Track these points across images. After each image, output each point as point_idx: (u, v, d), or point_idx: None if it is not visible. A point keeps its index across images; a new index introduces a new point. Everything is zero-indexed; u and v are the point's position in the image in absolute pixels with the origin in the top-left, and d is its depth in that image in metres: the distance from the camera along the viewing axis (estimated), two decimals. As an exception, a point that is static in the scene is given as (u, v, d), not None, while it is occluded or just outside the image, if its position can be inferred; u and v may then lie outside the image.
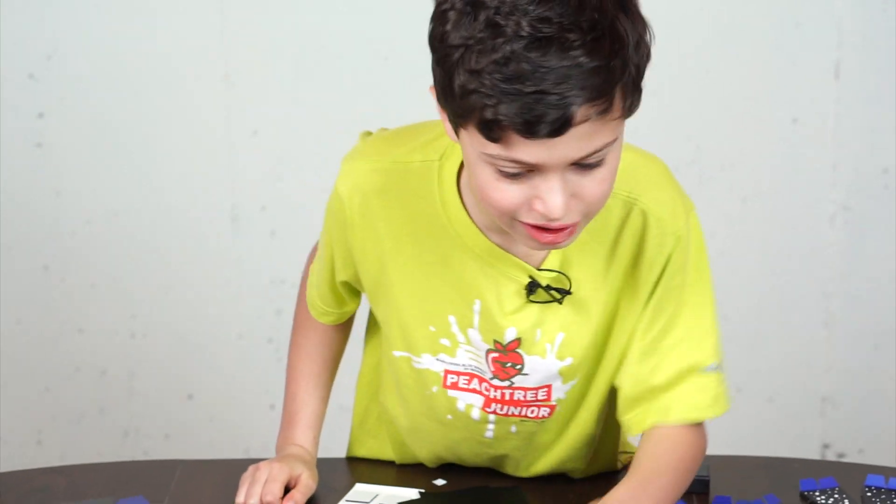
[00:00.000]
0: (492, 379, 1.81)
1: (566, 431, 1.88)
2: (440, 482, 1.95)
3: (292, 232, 3.30)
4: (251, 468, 1.87)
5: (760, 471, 2.00)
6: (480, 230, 1.74)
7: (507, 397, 1.83)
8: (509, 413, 1.85)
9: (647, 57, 1.58)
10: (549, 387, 1.82)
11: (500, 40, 1.50)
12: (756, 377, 3.35)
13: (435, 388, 1.85)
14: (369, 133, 1.87)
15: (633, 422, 1.80)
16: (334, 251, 1.87)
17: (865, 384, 3.38)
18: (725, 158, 3.24)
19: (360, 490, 1.93)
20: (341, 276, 1.89)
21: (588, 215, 1.62)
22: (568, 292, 1.75)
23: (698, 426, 1.80)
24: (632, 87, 1.57)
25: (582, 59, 1.50)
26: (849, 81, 3.24)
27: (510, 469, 1.94)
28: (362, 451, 2.06)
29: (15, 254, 3.28)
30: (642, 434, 1.80)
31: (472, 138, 1.56)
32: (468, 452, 1.92)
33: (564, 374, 1.81)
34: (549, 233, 1.60)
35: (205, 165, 3.25)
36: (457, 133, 1.60)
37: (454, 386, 1.84)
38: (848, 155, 3.27)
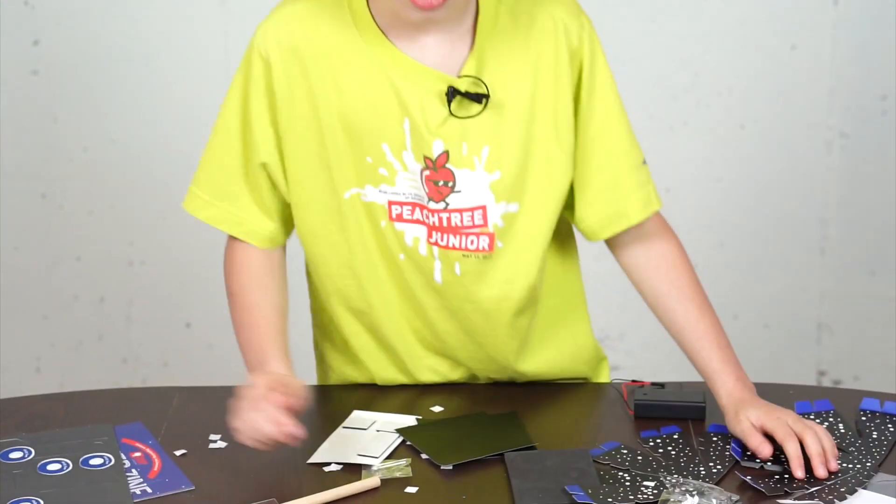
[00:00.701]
0: (429, 202, 1.86)
1: (513, 278, 1.90)
2: (437, 409, 1.96)
3: (289, 159, 3.29)
4: (243, 406, 1.78)
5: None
6: (397, 48, 1.82)
7: (444, 223, 1.87)
8: (450, 244, 1.88)
9: None
10: (483, 208, 1.86)
11: None
12: (752, 304, 3.36)
13: (383, 223, 1.88)
14: None
15: (595, 228, 1.93)
16: (253, 122, 1.89)
17: (861, 311, 3.39)
18: (723, 85, 3.23)
19: (358, 417, 1.94)
20: (262, 153, 1.90)
21: None
22: (486, 96, 1.82)
23: (662, 225, 1.96)
24: None
25: None
26: (847, 8, 3.23)
27: (502, 358, 1.97)
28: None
29: (12, 181, 3.28)
30: (651, 293, 1.95)
31: None
32: (430, 308, 1.93)
33: (496, 191, 1.86)
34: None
35: (202, 91, 3.24)
36: None
37: (399, 218, 1.87)
38: (846, 81, 3.26)
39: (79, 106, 3.25)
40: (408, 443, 1.87)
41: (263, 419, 1.74)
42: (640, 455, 1.83)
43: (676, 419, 1.91)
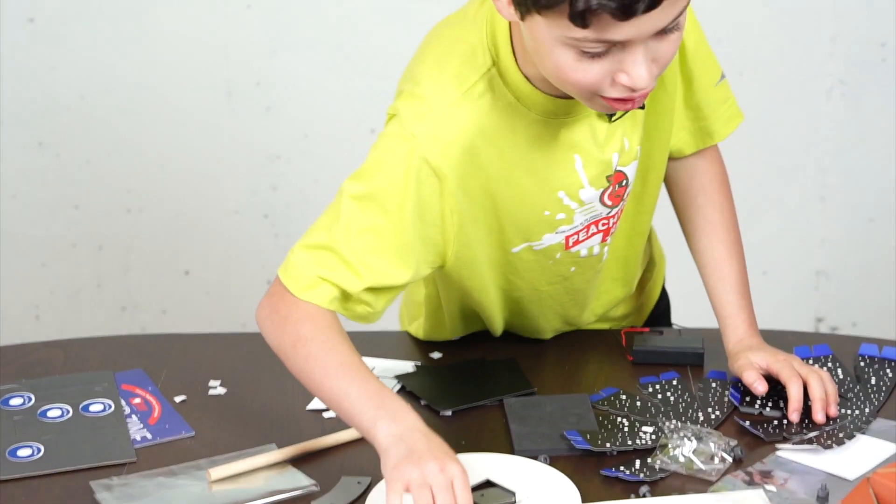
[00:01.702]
0: (610, 213, 1.84)
1: (642, 207, 1.92)
2: (436, 355, 1.97)
3: (287, 108, 3.29)
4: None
5: (754, 343, 2.01)
6: (549, 95, 1.72)
7: (617, 216, 1.86)
8: (612, 226, 1.88)
9: None
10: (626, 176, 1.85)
11: None
12: (750, 250, 3.34)
13: (558, 255, 1.85)
14: (394, 114, 1.76)
15: (681, 145, 1.93)
16: (410, 236, 1.72)
17: (860, 258, 3.40)
18: (722, 30, 3.21)
19: (357, 363, 1.94)
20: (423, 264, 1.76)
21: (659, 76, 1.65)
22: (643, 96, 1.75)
23: (714, 154, 1.99)
24: None
25: None
26: (847, -46, 3.22)
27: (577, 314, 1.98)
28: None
29: (10, 130, 3.28)
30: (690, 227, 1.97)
31: (553, 24, 1.54)
32: (585, 287, 1.94)
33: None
34: (630, 101, 1.62)
35: (199, 41, 3.23)
36: (522, 18, 1.58)
37: (576, 243, 1.85)
38: (846, 28, 3.25)
39: (76, 54, 3.23)
40: (407, 389, 1.87)
41: None
42: (638, 401, 1.83)
43: (675, 365, 1.91)
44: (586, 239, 1.85)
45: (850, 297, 3.42)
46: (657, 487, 1.64)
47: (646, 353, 1.94)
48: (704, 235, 1.96)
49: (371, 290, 1.72)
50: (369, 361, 1.93)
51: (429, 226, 1.73)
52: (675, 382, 1.87)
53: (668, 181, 1.98)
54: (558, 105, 1.72)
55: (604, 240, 1.87)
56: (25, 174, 3.30)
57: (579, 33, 1.52)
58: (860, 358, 1.90)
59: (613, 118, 1.77)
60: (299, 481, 1.67)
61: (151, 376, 1.91)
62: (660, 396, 1.84)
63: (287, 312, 1.71)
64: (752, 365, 1.80)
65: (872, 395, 1.82)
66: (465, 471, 1.55)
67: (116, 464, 1.72)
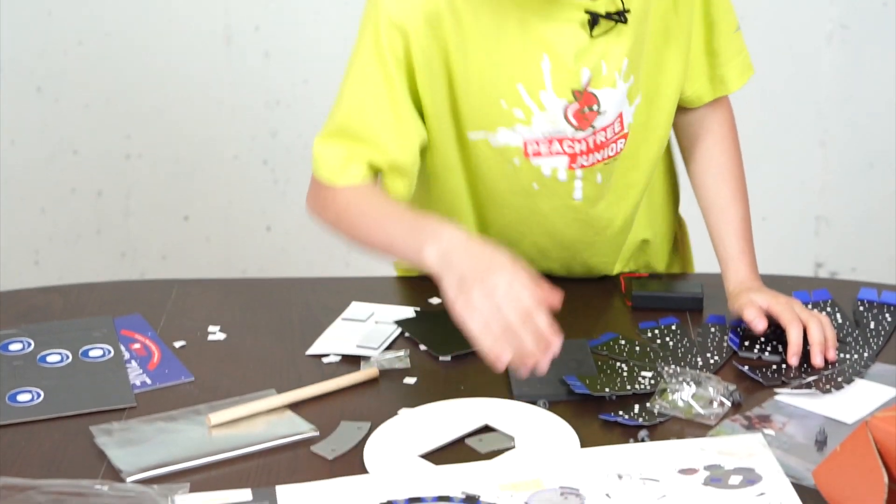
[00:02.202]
0: (574, 133, 1.84)
1: (638, 166, 1.92)
2: (435, 301, 1.97)
3: (286, 53, 3.27)
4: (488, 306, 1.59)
5: (753, 288, 2.01)
6: None
7: (590, 145, 1.85)
8: (593, 161, 1.87)
9: None
10: (620, 115, 1.86)
11: None
12: (751, 196, 3.35)
13: (517, 160, 1.85)
14: None
15: (699, 93, 1.95)
16: (395, 80, 1.81)
17: (859, 204, 3.39)
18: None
19: (357, 308, 1.94)
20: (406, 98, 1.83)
21: None
22: (626, 10, 1.79)
23: (724, 102, 2.00)
24: None
25: None
26: None
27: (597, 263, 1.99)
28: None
29: (7, 75, 3.26)
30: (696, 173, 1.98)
31: None
32: (563, 228, 1.93)
33: (630, 95, 1.85)
34: None
35: (197, -16, 3.22)
36: None
37: (536, 154, 1.85)
38: (847, -28, 3.24)
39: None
40: (406, 334, 1.88)
41: (532, 339, 1.59)
42: (637, 346, 1.83)
43: (674, 311, 1.91)
44: (549, 155, 1.85)
45: (850, 242, 3.42)
46: (656, 432, 1.65)
47: (645, 298, 1.94)
48: (710, 177, 1.97)
49: (392, 167, 1.82)
50: (369, 307, 1.94)
51: (409, 82, 1.81)
52: (674, 327, 1.87)
53: (678, 126, 1.99)
54: None
55: (571, 166, 1.86)
56: (24, 120, 3.30)
57: None
58: (859, 303, 1.90)
59: (594, 31, 1.78)
60: (299, 426, 1.68)
61: (151, 322, 1.91)
62: (659, 341, 1.84)
63: (328, 197, 1.84)
64: (753, 303, 1.81)
65: (871, 340, 1.82)
66: (514, 274, 1.60)
67: (116, 409, 1.72)
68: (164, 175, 3.36)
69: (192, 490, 1.55)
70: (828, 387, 1.71)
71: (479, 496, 1.52)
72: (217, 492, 1.55)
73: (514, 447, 1.62)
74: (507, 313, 1.58)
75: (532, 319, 1.59)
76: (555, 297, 1.61)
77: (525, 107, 1.81)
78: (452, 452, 1.62)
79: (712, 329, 1.87)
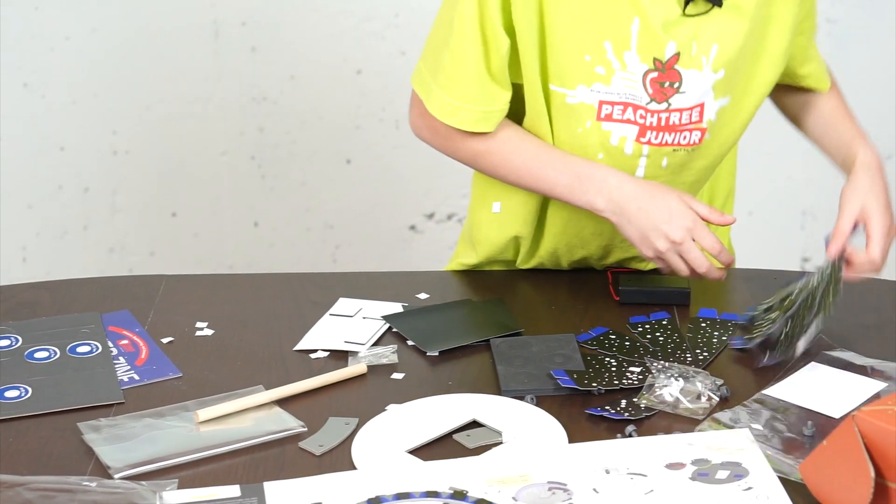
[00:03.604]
0: (648, 104, 1.84)
1: (709, 165, 1.94)
2: (423, 296, 1.97)
3: (273, 48, 3.27)
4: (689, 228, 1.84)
5: (740, 283, 2.01)
6: None
7: (662, 122, 1.85)
8: (663, 142, 1.87)
9: None
10: (702, 105, 1.86)
11: None
12: (736, 190, 3.36)
13: (588, 123, 1.86)
14: None
15: (822, 78, 2.03)
16: (485, 18, 1.82)
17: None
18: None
19: (344, 303, 1.94)
20: (502, 46, 1.84)
21: None
22: None
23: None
24: None
25: None
26: None
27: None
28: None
29: (-6, 71, 3.26)
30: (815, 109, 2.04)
31: None
32: None
33: (717, 89, 1.85)
34: None
35: (184, -20, 3.21)
36: None
37: (608, 118, 1.85)
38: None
39: (60, -6, 3.22)
40: (394, 330, 1.88)
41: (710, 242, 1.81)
42: (627, 340, 1.83)
43: (662, 305, 1.92)
44: (620, 121, 1.85)
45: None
46: (643, 426, 1.65)
47: (632, 292, 1.94)
48: (821, 103, 2.04)
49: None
50: (356, 303, 1.94)
51: (504, 20, 1.82)
52: (664, 322, 1.88)
53: (786, 101, 2.06)
54: None
55: (639, 139, 1.86)
56: (11, 115, 3.29)
57: None
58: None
59: (687, 9, 1.79)
60: (287, 422, 1.67)
61: (138, 318, 1.91)
62: (649, 336, 1.84)
63: (447, 133, 1.89)
64: (852, 215, 1.87)
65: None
66: (687, 219, 1.82)
67: (104, 405, 1.72)
68: (151, 171, 3.35)
69: (181, 486, 1.55)
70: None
71: (466, 491, 1.52)
72: (205, 488, 1.55)
73: (501, 442, 1.62)
74: (688, 253, 1.82)
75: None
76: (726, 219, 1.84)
77: (608, 63, 1.81)
78: (440, 448, 1.62)
79: (703, 324, 1.87)
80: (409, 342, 1.85)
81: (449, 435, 1.64)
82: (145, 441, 1.64)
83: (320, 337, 1.86)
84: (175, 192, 3.37)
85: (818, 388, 1.71)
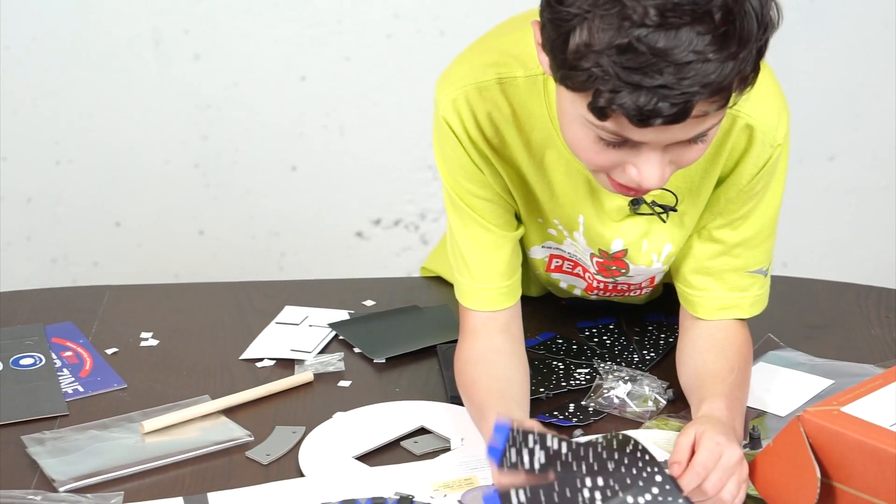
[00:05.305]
0: (596, 274, 1.78)
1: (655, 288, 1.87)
2: (370, 303, 1.96)
3: (216, 55, 3.26)
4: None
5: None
6: None
7: (609, 287, 1.80)
8: (611, 296, 1.84)
9: (773, 29, 1.43)
10: (652, 279, 1.79)
11: (626, 23, 1.35)
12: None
13: (538, 272, 1.83)
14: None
15: (707, 311, 1.73)
16: (475, 192, 1.70)
17: (819, 200, 3.41)
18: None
19: (290, 311, 1.93)
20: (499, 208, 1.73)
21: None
22: (673, 209, 1.68)
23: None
24: (752, 73, 1.43)
25: (711, 54, 1.36)
26: None
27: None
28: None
29: (-67, 82, 3.23)
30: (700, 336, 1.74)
31: (577, 103, 1.44)
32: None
33: (666, 267, 1.77)
34: (634, 191, 1.52)
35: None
36: (555, 80, 1.47)
37: (558, 269, 1.81)
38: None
39: (-1, 3, 3.19)
40: (340, 337, 1.87)
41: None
42: (574, 344, 1.84)
43: (609, 309, 1.92)
44: (570, 273, 1.81)
45: (813, 238, 3.42)
46: (591, 430, 1.65)
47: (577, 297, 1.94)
48: (707, 353, 1.71)
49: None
50: (302, 311, 1.93)
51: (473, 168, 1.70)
52: (612, 326, 1.88)
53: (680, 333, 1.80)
54: None
55: (587, 290, 1.83)
56: (-50, 127, 3.26)
57: (599, 123, 1.43)
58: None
59: (638, 209, 1.68)
60: (233, 432, 1.67)
61: (82, 329, 1.90)
62: (596, 340, 1.85)
63: (460, 347, 1.72)
64: (690, 435, 1.52)
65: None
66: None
67: (48, 417, 1.71)
68: (94, 180, 3.33)
69: (126, 499, 1.54)
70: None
71: (412, 496, 1.52)
72: (150, 502, 1.54)
73: (449, 449, 1.62)
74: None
75: None
76: None
77: (559, 231, 1.74)
78: (388, 454, 1.62)
79: (650, 327, 1.88)
80: (356, 349, 1.84)
81: (397, 442, 1.64)
82: (90, 453, 1.63)
83: (266, 345, 1.85)
84: (118, 202, 3.35)
85: (765, 386, 1.72)
